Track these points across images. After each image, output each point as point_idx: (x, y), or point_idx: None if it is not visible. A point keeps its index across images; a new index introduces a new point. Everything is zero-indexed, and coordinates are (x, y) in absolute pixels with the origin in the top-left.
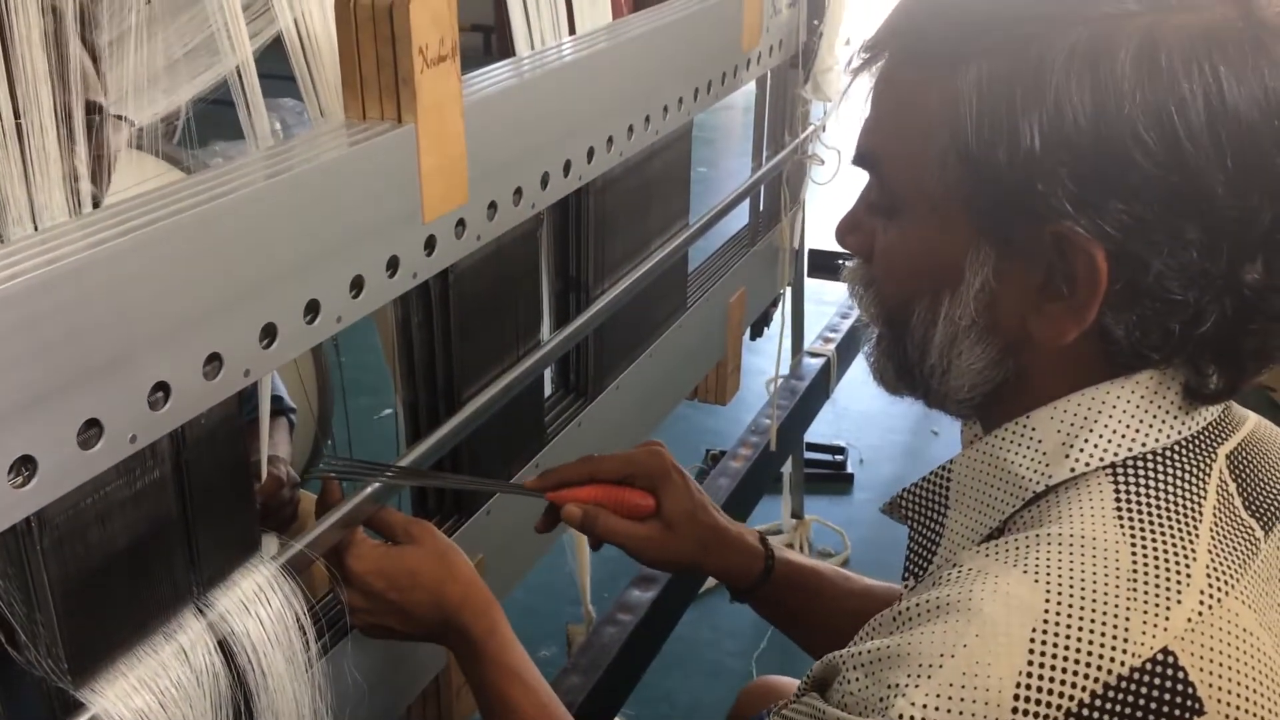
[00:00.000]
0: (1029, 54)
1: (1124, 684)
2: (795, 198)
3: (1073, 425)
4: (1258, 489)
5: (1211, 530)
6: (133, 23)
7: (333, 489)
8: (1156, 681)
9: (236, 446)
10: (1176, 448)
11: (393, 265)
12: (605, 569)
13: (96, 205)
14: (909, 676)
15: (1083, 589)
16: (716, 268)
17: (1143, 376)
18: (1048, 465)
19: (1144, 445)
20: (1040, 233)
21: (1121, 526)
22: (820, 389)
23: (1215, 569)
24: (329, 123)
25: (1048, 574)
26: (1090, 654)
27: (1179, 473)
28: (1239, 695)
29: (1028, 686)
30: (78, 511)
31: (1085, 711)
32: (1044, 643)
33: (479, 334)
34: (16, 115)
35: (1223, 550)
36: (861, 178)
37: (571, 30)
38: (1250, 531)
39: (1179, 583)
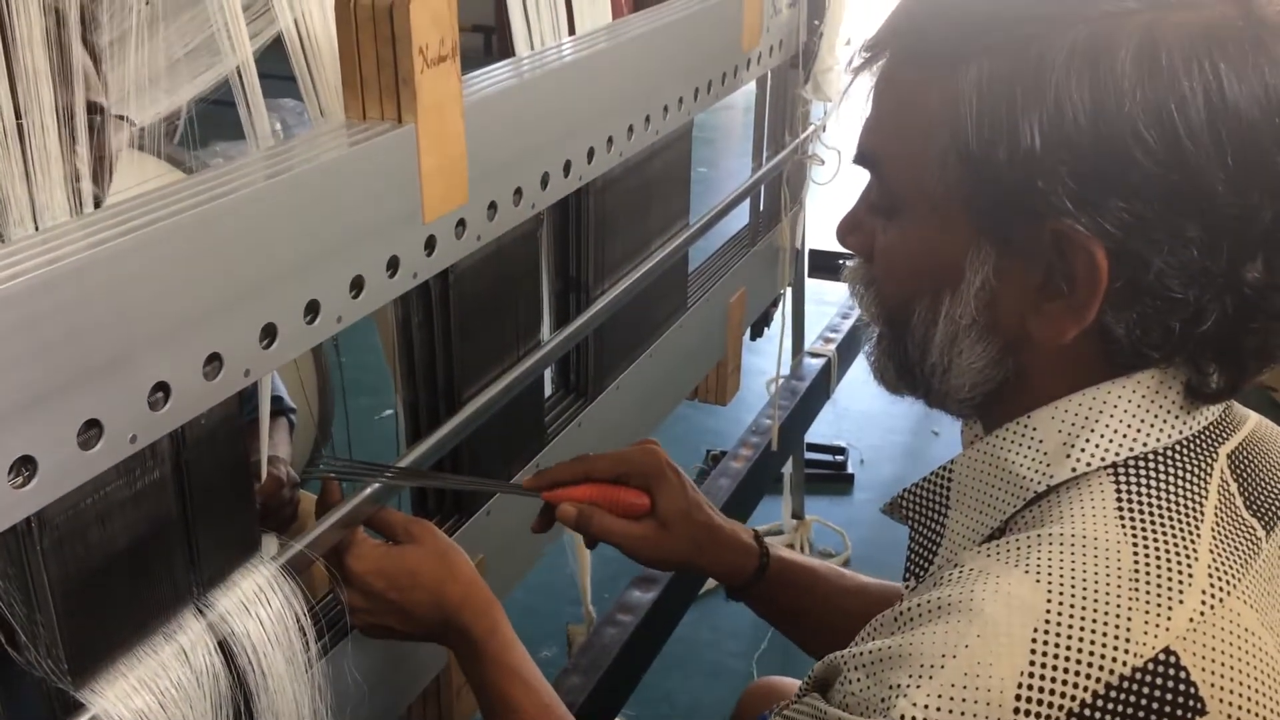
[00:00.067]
0: (1029, 53)
1: (1126, 684)
2: (795, 198)
3: (1074, 425)
4: (1259, 488)
5: (1213, 530)
6: (133, 23)
7: (332, 489)
8: (1158, 681)
9: (236, 447)
10: (1178, 447)
11: (393, 265)
12: (606, 569)
13: (98, 205)
14: (910, 677)
15: (1084, 589)
16: (717, 268)
17: (1144, 376)
18: (1049, 465)
19: (1145, 445)
20: (1040, 231)
21: (1123, 526)
22: (821, 389)
23: (1217, 569)
24: (329, 123)
25: (1049, 574)
26: (1092, 654)
27: (1180, 472)
28: (1241, 695)
29: (1029, 687)
30: (78, 512)
31: (1087, 712)
32: (1045, 643)
33: (479, 334)
34: (18, 115)
35: (1224, 550)
36: (862, 177)
37: (571, 30)
38: (1252, 531)
39: (1181, 582)
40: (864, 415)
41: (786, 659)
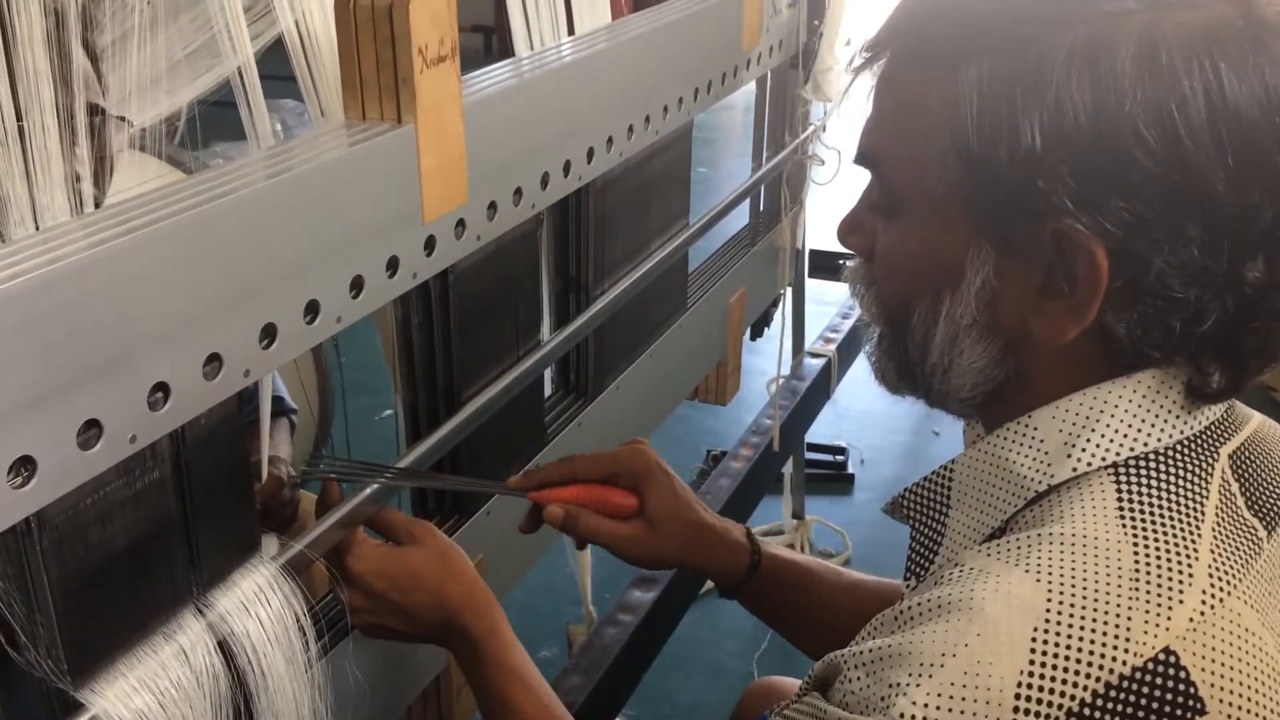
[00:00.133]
0: (1029, 53)
1: (1126, 683)
2: (795, 198)
3: (1075, 425)
4: (1261, 489)
5: (1214, 530)
6: (134, 24)
7: (331, 489)
8: (1158, 681)
9: (236, 446)
10: (1179, 447)
11: (393, 265)
12: (606, 569)
13: (97, 206)
14: (910, 676)
15: (1084, 588)
16: (717, 268)
17: (1145, 376)
18: (1049, 465)
19: (1146, 445)
20: (1041, 231)
21: (1124, 526)
22: (821, 389)
23: (1218, 569)
24: (329, 123)
25: (1049, 573)
26: (1092, 653)
27: (1181, 472)
28: (1241, 695)
29: (1029, 686)
30: (77, 512)
31: (1087, 711)
32: (1045, 642)
33: (479, 334)
34: (19, 116)
35: (1225, 550)
36: (862, 178)
37: (571, 31)
38: (1253, 531)
39: (1181, 582)
40: (864, 415)
41: (787, 659)
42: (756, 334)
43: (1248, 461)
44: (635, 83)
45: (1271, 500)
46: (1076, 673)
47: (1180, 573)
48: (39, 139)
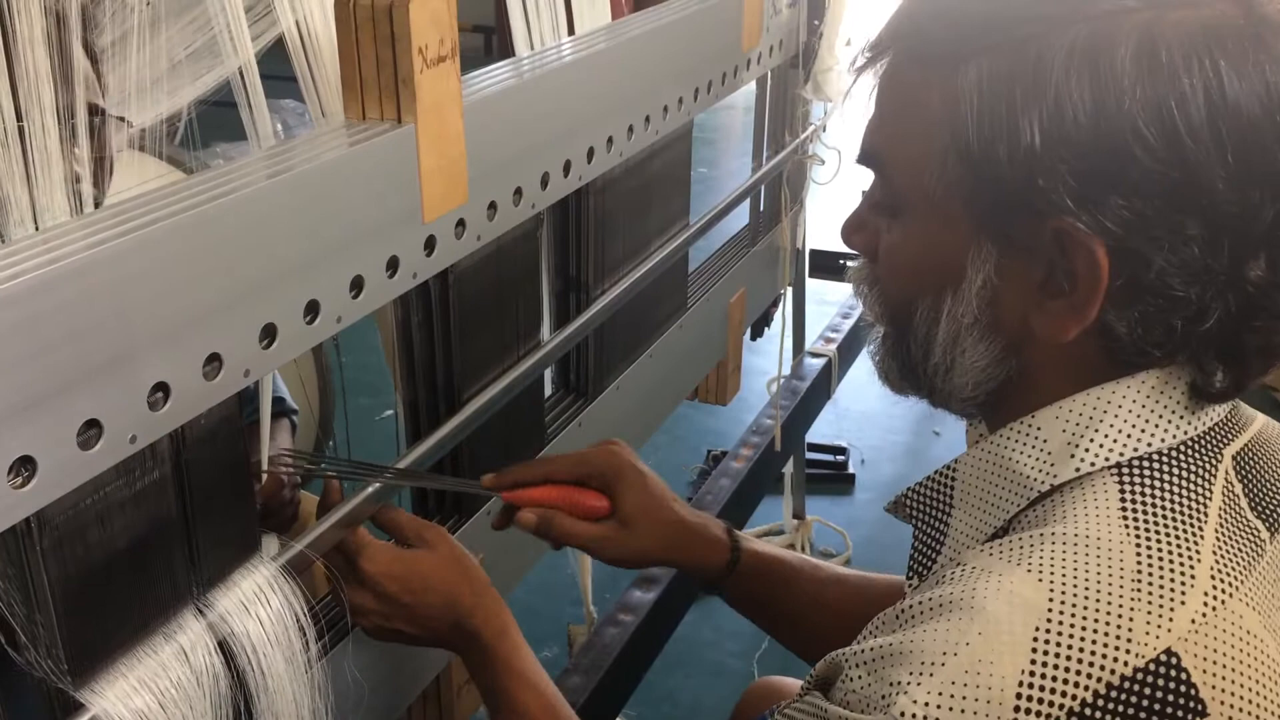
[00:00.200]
0: (1029, 52)
1: (1127, 684)
2: (796, 198)
3: (1078, 425)
4: (1264, 490)
5: (1217, 531)
6: (134, 24)
7: (332, 489)
8: (1159, 682)
9: (236, 446)
10: (1182, 448)
11: (393, 265)
12: (606, 569)
13: (97, 206)
14: (911, 674)
15: (1086, 588)
16: (717, 268)
17: (1148, 375)
18: (1052, 465)
19: (1149, 445)
20: (1041, 229)
21: (1126, 527)
22: (821, 389)
23: (1220, 570)
24: (329, 123)
25: (1052, 573)
26: (1093, 653)
27: (1184, 473)
28: (1242, 698)
29: (1030, 685)
30: (77, 512)
31: (1088, 711)
32: (1047, 641)
33: (479, 334)
34: (18, 116)
35: (1228, 552)
36: (865, 177)
37: (571, 31)
38: (1256, 533)
39: (1183, 584)
40: (865, 415)
41: (787, 659)
42: (757, 334)
43: (1251, 463)
44: (635, 83)
45: (1275, 502)
46: (1078, 672)
47: (1182, 574)
48: (39, 139)
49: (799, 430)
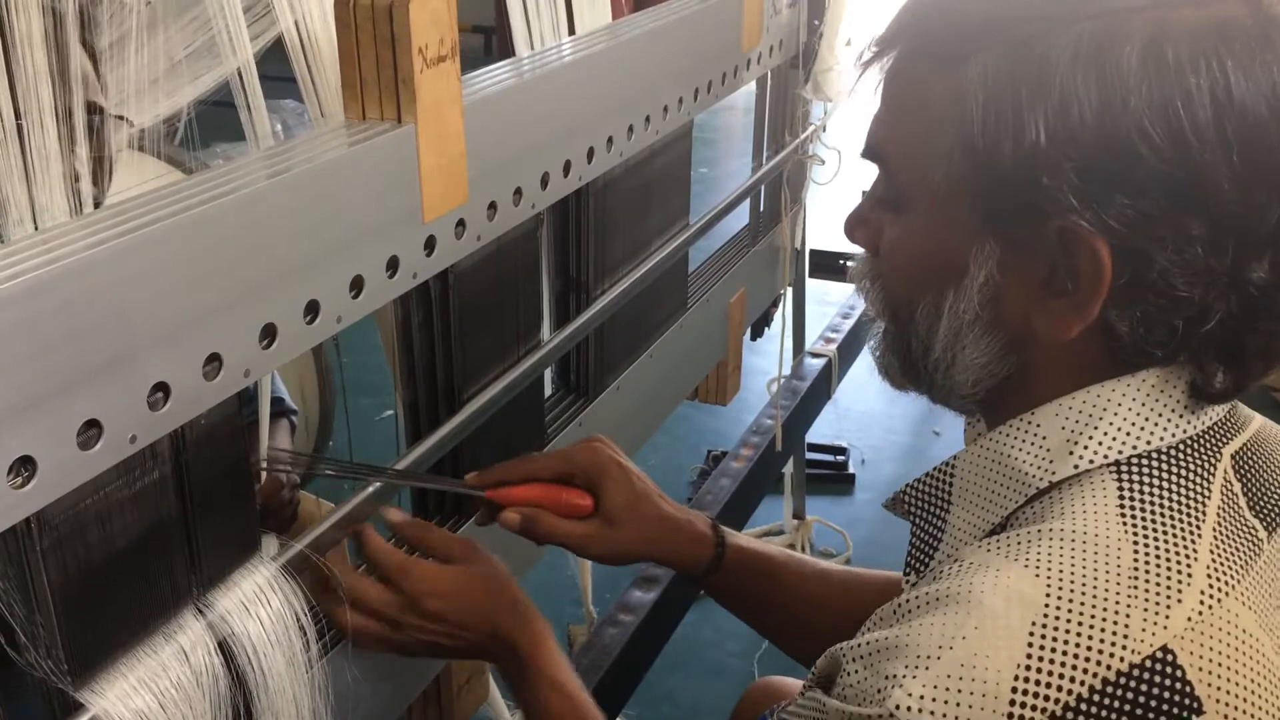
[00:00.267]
0: (1034, 50)
1: (1122, 680)
2: (796, 198)
3: (1077, 422)
4: (1262, 489)
5: (1214, 530)
6: (133, 24)
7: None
8: (1155, 679)
9: (236, 446)
10: (1181, 446)
11: (393, 265)
12: (606, 569)
13: (97, 206)
14: (907, 667)
15: (1084, 585)
16: (717, 268)
17: (1148, 374)
18: (1051, 462)
19: (1148, 443)
20: (1045, 227)
21: (1124, 524)
22: (822, 389)
23: (1217, 569)
24: (329, 123)
25: (1049, 569)
26: (1089, 649)
27: (1183, 472)
28: (1238, 696)
29: (1025, 679)
30: (77, 512)
31: (1083, 706)
32: (1043, 636)
33: (479, 334)
34: (17, 115)
35: (1225, 550)
36: (866, 176)
37: (571, 31)
38: (1254, 532)
39: (1180, 582)
40: (865, 415)
41: (787, 659)
42: (757, 334)
43: (1250, 462)
44: (635, 83)
45: (1273, 501)
46: (1074, 667)
47: (1179, 572)
48: (38, 139)
49: (799, 430)
